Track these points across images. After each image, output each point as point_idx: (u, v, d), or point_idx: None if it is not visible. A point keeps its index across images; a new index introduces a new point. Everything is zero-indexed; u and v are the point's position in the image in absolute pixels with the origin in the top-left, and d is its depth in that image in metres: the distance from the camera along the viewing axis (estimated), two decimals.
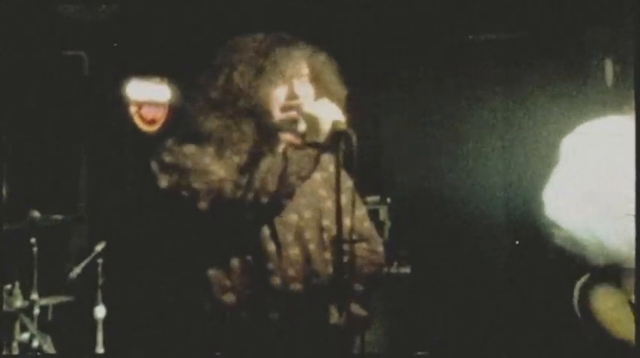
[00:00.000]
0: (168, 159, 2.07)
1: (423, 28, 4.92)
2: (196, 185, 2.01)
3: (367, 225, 2.31)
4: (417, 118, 5.20)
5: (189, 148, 2.07)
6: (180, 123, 2.17)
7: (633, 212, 2.40)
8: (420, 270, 4.76)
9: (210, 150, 2.07)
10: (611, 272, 2.54)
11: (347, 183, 2.21)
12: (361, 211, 2.29)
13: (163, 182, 2.06)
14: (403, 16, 4.79)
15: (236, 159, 2.08)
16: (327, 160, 2.13)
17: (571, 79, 4.57)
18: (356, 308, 2.11)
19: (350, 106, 2.14)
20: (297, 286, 2.08)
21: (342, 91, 2.20)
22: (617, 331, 2.48)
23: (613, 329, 2.49)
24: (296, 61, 2.10)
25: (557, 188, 2.67)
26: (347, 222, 2.03)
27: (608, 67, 4.07)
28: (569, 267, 2.60)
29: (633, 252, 2.41)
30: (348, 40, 4.71)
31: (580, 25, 4.54)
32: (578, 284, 2.56)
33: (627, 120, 2.65)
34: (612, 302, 2.51)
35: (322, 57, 2.19)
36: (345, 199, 2.05)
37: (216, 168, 2.04)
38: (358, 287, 2.16)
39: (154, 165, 2.08)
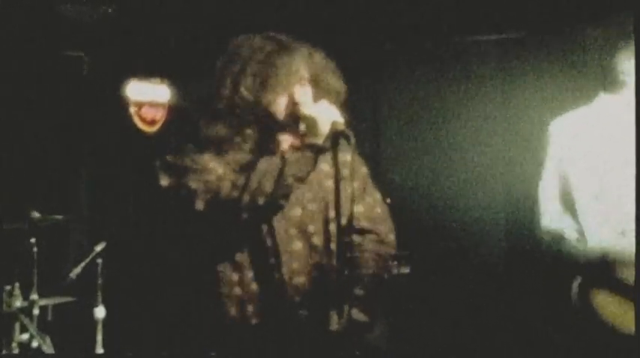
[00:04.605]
0: (170, 158, 2.08)
1: (422, 27, 4.92)
2: (193, 185, 2.02)
3: (379, 210, 2.28)
4: (416, 118, 5.20)
5: (191, 148, 2.08)
6: (185, 128, 2.16)
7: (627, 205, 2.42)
8: (420, 270, 4.76)
9: (213, 149, 2.08)
10: (607, 268, 2.54)
11: (361, 169, 2.23)
12: (373, 197, 2.27)
13: (164, 181, 2.08)
14: (402, 16, 4.79)
15: (237, 157, 2.08)
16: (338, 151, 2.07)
17: (571, 79, 4.57)
18: (356, 313, 2.08)
19: (349, 106, 2.15)
20: (301, 279, 2.09)
21: (340, 87, 2.20)
22: (620, 325, 2.48)
23: (615, 323, 2.49)
24: (296, 67, 2.10)
25: (545, 186, 2.69)
26: (357, 208, 2.03)
27: (608, 66, 4.07)
28: (563, 266, 2.61)
29: (627, 247, 2.43)
30: (348, 40, 4.71)
31: (580, 25, 4.54)
32: (576, 281, 2.56)
33: (613, 105, 2.66)
34: (611, 296, 2.51)
35: (319, 56, 2.18)
36: (357, 185, 2.06)
37: (215, 165, 2.04)
38: (360, 290, 2.13)
39: (158, 165, 2.10)
